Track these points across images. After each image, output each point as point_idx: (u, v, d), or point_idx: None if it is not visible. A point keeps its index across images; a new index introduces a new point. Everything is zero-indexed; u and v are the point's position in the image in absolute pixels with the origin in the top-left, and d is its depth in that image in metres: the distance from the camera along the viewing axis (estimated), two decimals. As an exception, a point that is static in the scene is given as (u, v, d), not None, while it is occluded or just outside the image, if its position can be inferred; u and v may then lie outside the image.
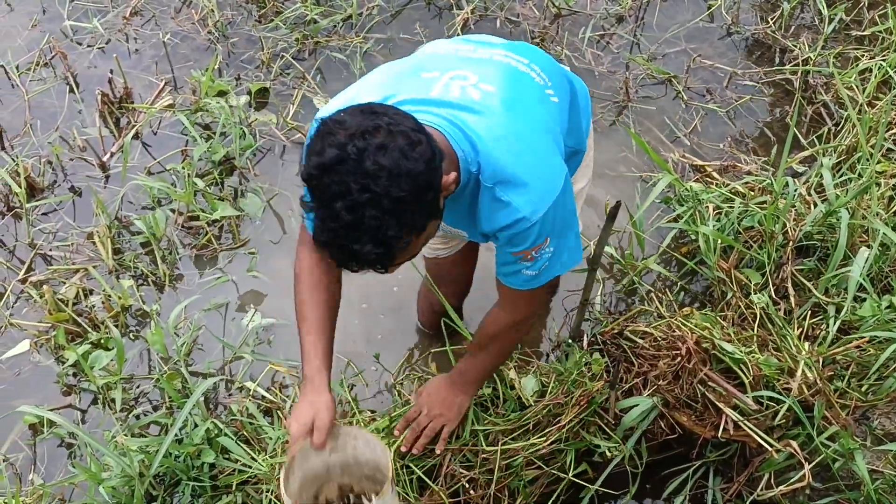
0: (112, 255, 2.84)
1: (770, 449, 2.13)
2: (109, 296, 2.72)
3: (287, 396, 2.52)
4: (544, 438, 2.17)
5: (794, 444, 2.13)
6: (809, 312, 2.47)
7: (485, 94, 1.60)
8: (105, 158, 3.12)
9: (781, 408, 2.16)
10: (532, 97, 1.69)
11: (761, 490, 2.21)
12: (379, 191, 1.32)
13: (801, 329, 2.41)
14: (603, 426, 2.26)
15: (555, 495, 2.26)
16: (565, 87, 1.82)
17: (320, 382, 1.82)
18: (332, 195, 1.34)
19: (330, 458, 1.87)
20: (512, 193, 1.56)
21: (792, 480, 2.15)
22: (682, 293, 2.78)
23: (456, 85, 1.60)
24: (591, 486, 2.25)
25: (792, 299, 2.49)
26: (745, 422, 2.15)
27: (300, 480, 1.83)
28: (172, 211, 2.98)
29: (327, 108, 1.69)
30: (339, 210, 1.34)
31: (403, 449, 2.04)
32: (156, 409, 2.56)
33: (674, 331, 2.23)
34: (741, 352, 2.19)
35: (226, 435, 2.31)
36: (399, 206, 1.34)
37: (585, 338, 2.33)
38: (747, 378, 2.18)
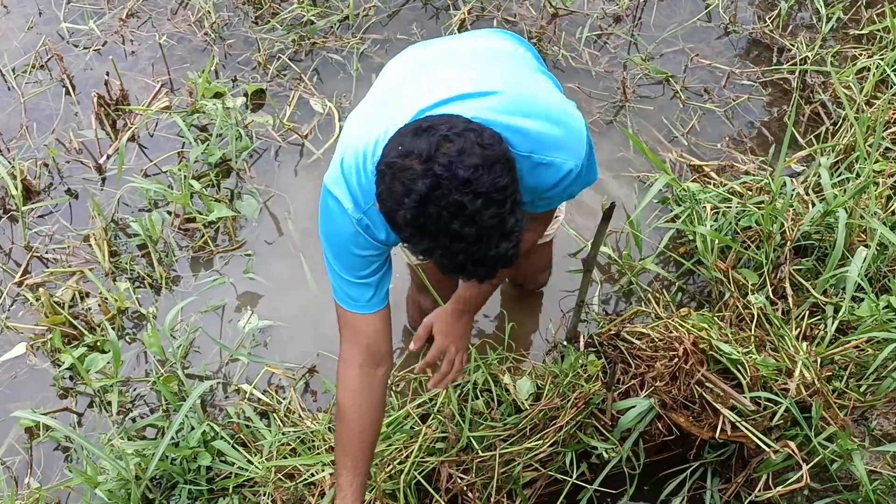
0: (108, 258, 2.83)
1: (768, 450, 2.13)
2: (106, 298, 2.72)
3: (283, 398, 2.51)
4: (541, 442, 2.16)
5: (792, 444, 2.13)
6: (807, 312, 2.46)
7: (472, 80, 1.57)
8: (101, 161, 3.11)
9: (779, 408, 2.15)
10: (509, 58, 1.70)
11: (759, 491, 2.20)
12: (485, 190, 1.30)
13: (798, 329, 2.40)
14: (600, 428, 2.25)
15: (558, 500, 2.25)
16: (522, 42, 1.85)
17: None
18: (445, 221, 1.31)
19: None
20: (551, 153, 1.54)
21: (790, 481, 2.15)
22: (680, 293, 2.77)
23: (439, 86, 1.57)
24: (588, 487, 2.24)
25: (790, 299, 2.49)
26: (743, 423, 2.14)
27: None
28: (169, 213, 2.97)
29: (331, 172, 1.69)
30: (460, 230, 1.31)
31: (432, 386, 1.98)
32: (152, 411, 2.56)
33: (671, 331, 2.22)
34: (738, 352, 2.19)
35: (222, 438, 2.30)
36: (505, 193, 1.33)
37: (582, 339, 2.33)
38: (745, 379, 2.17)
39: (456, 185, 1.29)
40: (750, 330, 2.36)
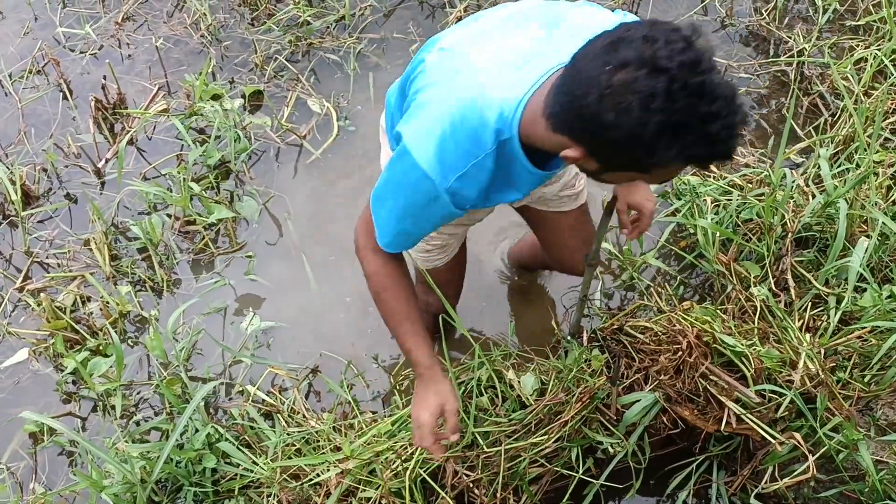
0: (109, 262, 2.83)
1: (773, 441, 2.12)
2: (107, 302, 2.71)
3: (286, 399, 2.51)
4: (546, 437, 2.16)
5: (798, 436, 2.12)
6: (810, 304, 2.46)
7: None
8: (100, 165, 3.11)
9: (784, 400, 2.15)
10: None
11: (765, 483, 2.19)
12: (709, 64, 1.27)
13: (801, 321, 2.40)
14: (605, 422, 2.25)
15: (565, 495, 2.25)
16: None
17: (438, 371, 1.82)
18: (695, 107, 1.26)
19: None
20: None
21: (796, 473, 2.14)
22: (682, 287, 2.77)
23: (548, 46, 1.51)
24: (594, 482, 2.24)
25: (792, 291, 2.49)
26: (748, 415, 2.13)
27: None
28: (169, 216, 2.97)
29: (424, 147, 1.53)
30: (710, 108, 1.26)
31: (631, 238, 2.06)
32: (156, 414, 2.56)
33: (674, 325, 2.21)
34: (742, 345, 2.18)
35: (227, 440, 2.30)
36: (713, 60, 1.30)
37: (585, 335, 2.32)
38: (749, 371, 2.17)
39: (687, 71, 1.25)
40: (753, 322, 2.36)
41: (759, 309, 2.39)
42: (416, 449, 2.14)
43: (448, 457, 2.13)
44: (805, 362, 2.19)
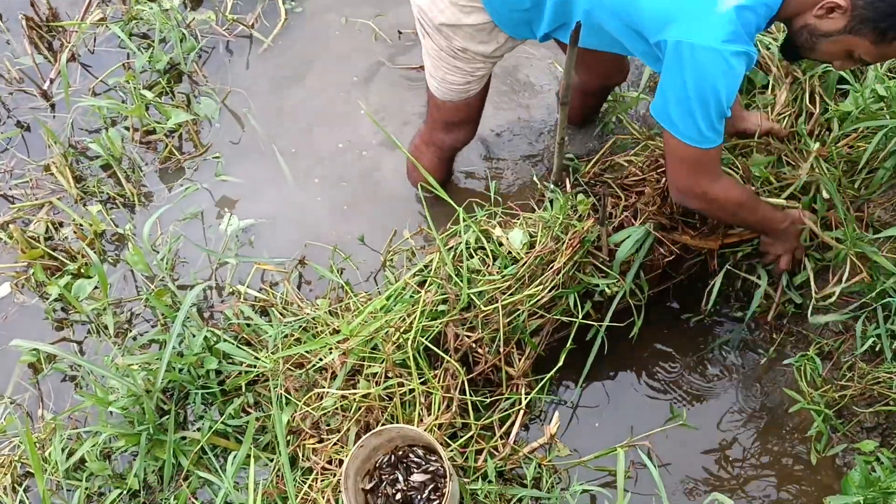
0: (74, 184, 2.74)
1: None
2: (80, 224, 2.65)
3: (278, 293, 2.48)
4: (542, 287, 2.14)
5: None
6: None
7: None
8: (45, 86, 2.97)
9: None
10: None
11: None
12: None
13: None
14: (598, 265, 2.23)
15: (567, 342, 2.25)
16: None
17: (790, 211, 2.14)
18: None
19: (378, 443, 2.03)
20: None
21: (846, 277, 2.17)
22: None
23: None
24: (596, 324, 2.24)
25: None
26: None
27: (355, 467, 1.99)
28: (127, 128, 2.86)
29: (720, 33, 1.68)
30: None
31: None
32: (151, 328, 2.53)
33: (653, 151, 2.16)
34: (730, 155, 2.14)
35: (225, 340, 2.28)
36: None
37: (568, 181, 2.27)
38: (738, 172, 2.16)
39: None
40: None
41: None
42: (414, 318, 2.12)
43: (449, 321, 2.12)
44: (812, 163, 2.17)
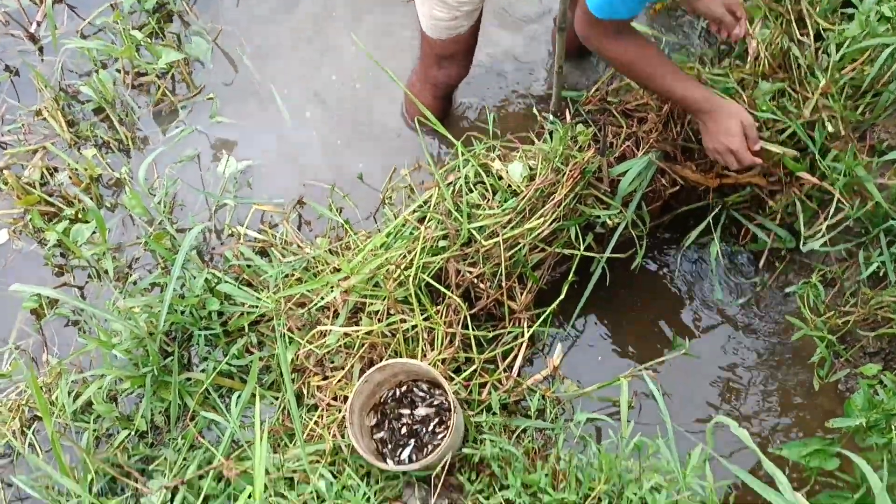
0: (67, 129, 2.70)
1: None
2: (75, 169, 2.62)
3: (277, 233, 2.47)
4: (543, 220, 2.12)
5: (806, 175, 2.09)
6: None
7: None
8: (32, 29, 2.91)
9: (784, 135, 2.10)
10: None
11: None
12: None
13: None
14: (600, 197, 2.21)
15: (569, 275, 2.24)
16: None
17: (718, 97, 1.94)
18: None
19: (382, 378, 2.03)
20: None
21: (832, 212, 2.14)
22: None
23: None
24: (598, 255, 2.22)
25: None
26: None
27: (360, 402, 2.00)
28: (118, 71, 2.81)
29: None
30: None
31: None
32: (150, 272, 2.52)
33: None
34: (732, 82, 2.09)
35: (226, 282, 2.28)
36: None
37: (568, 112, 2.23)
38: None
39: None
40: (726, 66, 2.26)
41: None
42: (415, 255, 2.11)
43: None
44: (817, 100, 2.12)
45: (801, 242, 2.19)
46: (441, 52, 2.31)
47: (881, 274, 2.11)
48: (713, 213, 2.31)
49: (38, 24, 2.92)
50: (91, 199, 2.50)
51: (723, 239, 2.38)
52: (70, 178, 2.62)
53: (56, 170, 2.67)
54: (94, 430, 2.17)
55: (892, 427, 1.68)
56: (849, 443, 1.82)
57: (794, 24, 2.30)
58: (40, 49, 2.91)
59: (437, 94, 2.51)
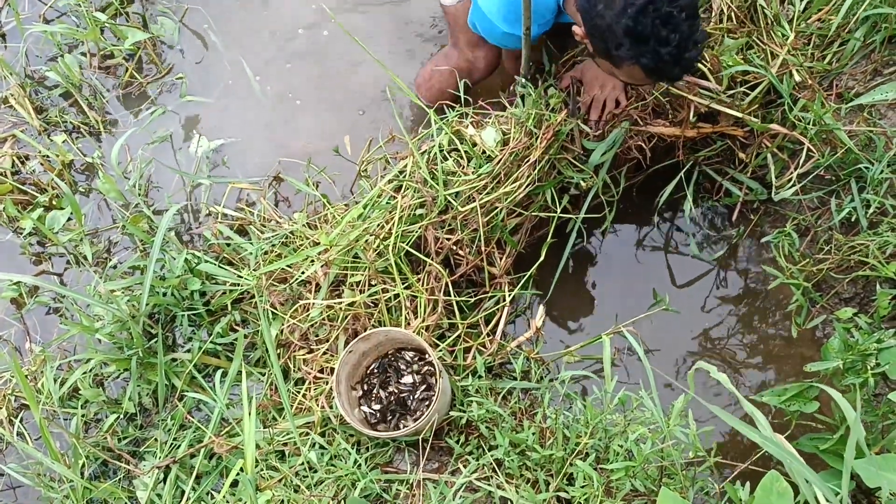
0: (36, 115, 2.67)
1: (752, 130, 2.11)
2: (47, 156, 2.59)
3: (255, 211, 2.46)
4: (518, 184, 2.13)
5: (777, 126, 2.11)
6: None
7: None
8: (-7, 16, 2.87)
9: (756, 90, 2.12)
10: None
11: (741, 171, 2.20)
12: (687, 4, 1.66)
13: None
14: (573, 161, 2.22)
15: (548, 238, 2.26)
16: None
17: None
18: (657, 29, 1.65)
19: (367, 348, 2.06)
20: None
21: (802, 160, 2.16)
22: None
23: None
24: (574, 216, 2.24)
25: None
26: (717, 105, 2.12)
27: (346, 372, 2.03)
28: (84, 55, 2.77)
29: None
30: (667, 36, 1.66)
31: (593, 119, 2.21)
32: (132, 255, 2.51)
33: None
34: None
35: (206, 262, 2.27)
36: (697, 10, 1.71)
37: (539, 77, 2.24)
38: (706, 68, 2.13)
39: (666, 1, 1.65)
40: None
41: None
42: (392, 224, 2.12)
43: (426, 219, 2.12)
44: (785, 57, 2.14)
45: (773, 192, 2.22)
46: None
47: (853, 220, 2.15)
48: (685, 170, 2.33)
49: (0, 10, 2.87)
50: (65, 184, 2.48)
51: (696, 195, 2.41)
52: (42, 164, 2.60)
53: (27, 157, 2.64)
54: (83, 416, 2.18)
55: (868, 367, 1.72)
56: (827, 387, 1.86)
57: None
58: (3, 36, 2.86)
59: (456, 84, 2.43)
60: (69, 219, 2.47)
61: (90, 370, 2.19)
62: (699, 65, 2.17)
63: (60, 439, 2.21)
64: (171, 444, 2.10)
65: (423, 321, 2.10)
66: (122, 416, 2.19)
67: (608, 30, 1.71)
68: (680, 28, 1.66)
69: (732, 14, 2.27)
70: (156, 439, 2.12)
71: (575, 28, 1.85)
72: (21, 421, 2.24)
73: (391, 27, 2.82)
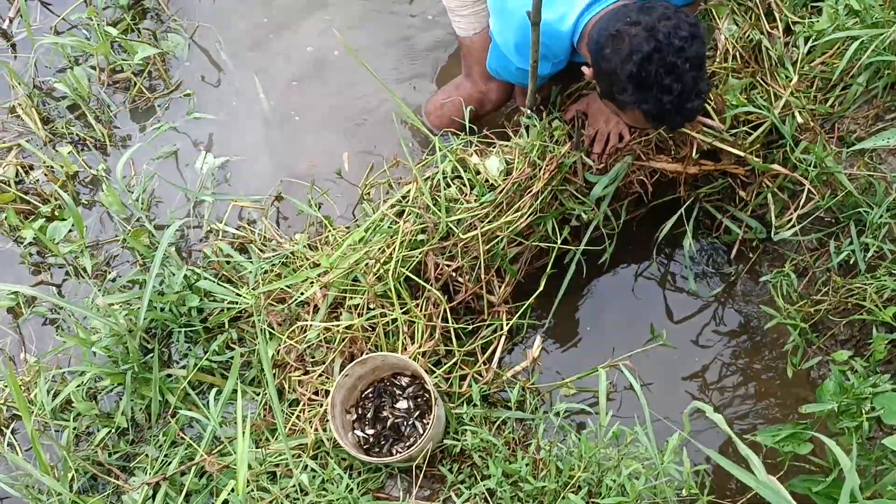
0: (42, 126, 2.69)
1: (753, 170, 2.12)
2: (51, 167, 2.60)
3: (256, 229, 2.47)
4: (520, 214, 2.14)
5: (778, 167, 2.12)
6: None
7: None
8: (5, 26, 2.88)
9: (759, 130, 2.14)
10: None
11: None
12: (692, 56, 1.68)
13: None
14: (575, 193, 2.23)
15: (547, 268, 2.27)
16: None
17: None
18: (660, 77, 1.67)
19: (363, 372, 2.07)
20: None
21: (802, 201, 2.18)
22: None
23: None
24: (574, 248, 2.25)
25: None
26: (718, 144, 2.14)
27: (341, 396, 2.03)
28: (93, 68, 2.79)
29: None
30: (670, 84, 1.68)
31: (596, 152, 2.22)
32: (132, 269, 2.51)
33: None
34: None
35: (205, 278, 2.28)
36: (704, 61, 1.72)
37: (544, 111, 2.25)
38: (710, 105, 2.15)
39: (673, 50, 1.67)
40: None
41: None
42: (394, 249, 2.13)
43: (427, 250, 2.12)
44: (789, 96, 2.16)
45: (773, 232, 2.24)
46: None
47: (851, 262, 2.16)
48: (685, 206, 2.34)
49: (11, 20, 2.90)
50: (68, 195, 2.48)
51: (696, 231, 2.42)
52: (46, 175, 2.60)
53: (31, 167, 2.65)
54: (74, 428, 2.17)
55: (863, 411, 1.72)
56: (821, 428, 1.86)
57: (763, 17, 2.34)
58: (13, 46, 2.88)
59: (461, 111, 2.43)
60: (70, 230, 2.47)
61: (84, 383, 2.18)
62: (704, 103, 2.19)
63: (51, 451, 2.19)
64: (162, 460, 2.09)
65: (420, 347, 2.10)
66: (113, 431, 2.18)
67: (613, 74, 1.73)
68: (683, 78, 1.68)
69: (737, 54, 2.30)
70: (147, 455, 2.11)
71: (584, 68, 1.88)
72: (12, 432, 2.23)
73: (400, 49, 2.85)
